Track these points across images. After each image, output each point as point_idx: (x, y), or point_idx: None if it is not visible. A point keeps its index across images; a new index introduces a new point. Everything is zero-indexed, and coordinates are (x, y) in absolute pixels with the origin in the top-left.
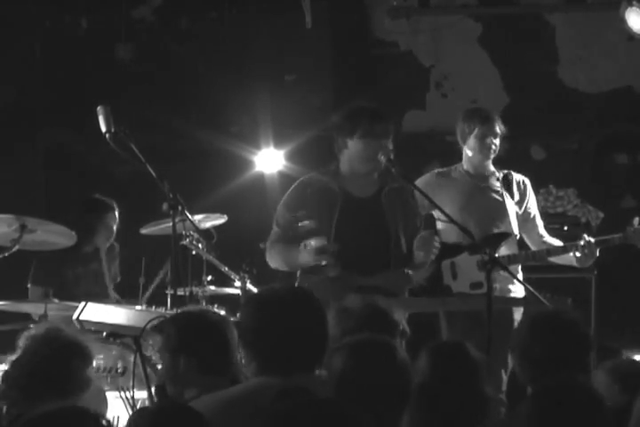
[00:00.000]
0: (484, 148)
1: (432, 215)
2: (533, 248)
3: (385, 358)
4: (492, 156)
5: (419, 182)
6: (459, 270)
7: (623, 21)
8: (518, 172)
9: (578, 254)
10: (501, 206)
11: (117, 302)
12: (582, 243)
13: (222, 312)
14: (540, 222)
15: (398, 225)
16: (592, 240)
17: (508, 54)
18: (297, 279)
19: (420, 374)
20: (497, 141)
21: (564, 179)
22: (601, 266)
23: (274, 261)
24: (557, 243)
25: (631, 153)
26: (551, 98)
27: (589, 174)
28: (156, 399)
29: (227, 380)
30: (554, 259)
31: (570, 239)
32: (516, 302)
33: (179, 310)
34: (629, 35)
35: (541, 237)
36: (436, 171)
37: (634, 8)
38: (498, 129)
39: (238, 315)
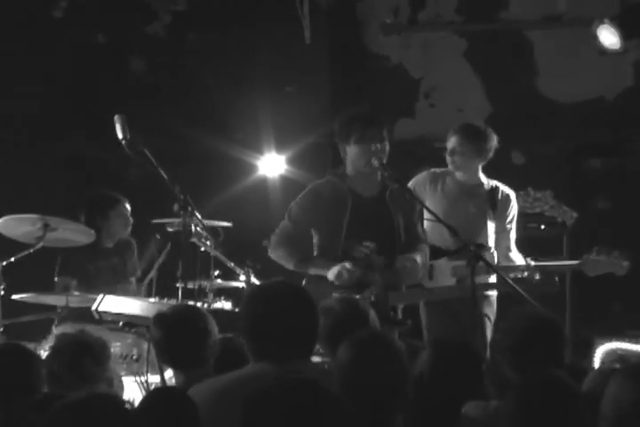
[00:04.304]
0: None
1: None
2: (499, 259)
3: (384, 350)
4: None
5: (415, 179)
6: (435, 273)
7: (595, 38)
8: (500, 175)
9: (519, 276)
10: (481, 221)
11: (135, 295)
12: (522, 266)
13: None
14: (512, 237)
15: (400, 223)
16: (532, 264)
17: (491, 67)
18: (305, 279)
19: (422, 369)
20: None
21: (542, 182)
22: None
23: (282, 259)
24: (519, 260)
25: (604, 158)
26: (531, 107)
27: (565, 178)
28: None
29: (208, 365)
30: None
31: (547, 237)
32: (490, 286)
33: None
34: (601, 49)
35: (508, 249)
36: (431, 170)
37: (605, 25)
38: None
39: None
